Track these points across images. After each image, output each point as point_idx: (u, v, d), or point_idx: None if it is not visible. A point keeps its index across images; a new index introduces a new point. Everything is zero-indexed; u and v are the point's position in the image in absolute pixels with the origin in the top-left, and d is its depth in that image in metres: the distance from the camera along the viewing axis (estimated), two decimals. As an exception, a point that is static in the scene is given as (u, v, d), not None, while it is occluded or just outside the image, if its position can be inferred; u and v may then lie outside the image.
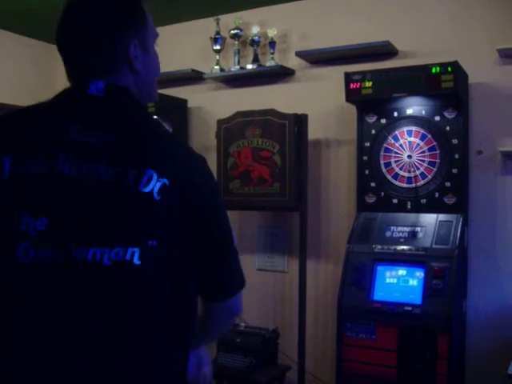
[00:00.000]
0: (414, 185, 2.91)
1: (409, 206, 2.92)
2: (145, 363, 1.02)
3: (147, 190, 0.99)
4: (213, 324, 1.24)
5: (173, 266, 1.03)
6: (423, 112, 2.91)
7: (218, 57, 3.62)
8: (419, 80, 2.75)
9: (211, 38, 3.61)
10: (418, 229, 2.83)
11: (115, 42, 1.09)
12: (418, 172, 2.90)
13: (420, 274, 2.67)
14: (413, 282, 2.69)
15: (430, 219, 2.83)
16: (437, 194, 2.86)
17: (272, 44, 3.46)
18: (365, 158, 3.06)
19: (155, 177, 1.00)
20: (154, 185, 1.00)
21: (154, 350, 1.03)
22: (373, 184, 3.03)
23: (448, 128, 2.85)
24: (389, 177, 2.98)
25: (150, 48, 1.16)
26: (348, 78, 2.94)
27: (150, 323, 1.03)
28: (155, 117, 2.76)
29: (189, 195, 1.04)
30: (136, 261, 0.98)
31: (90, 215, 0.99)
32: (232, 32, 3.55)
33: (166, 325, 1.05)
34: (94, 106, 1.08)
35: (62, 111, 1.08)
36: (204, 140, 3.70)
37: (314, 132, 3.27)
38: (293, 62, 3.47)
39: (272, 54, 3.46)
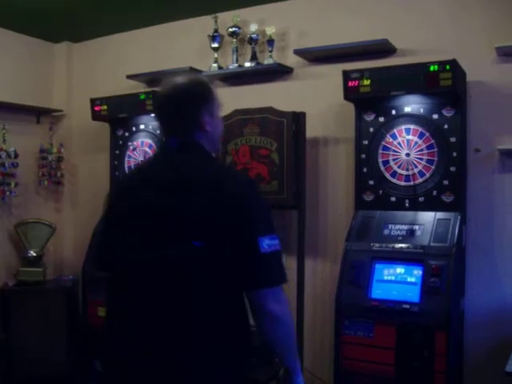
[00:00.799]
0: (412, 183, 2.91)
1: (407, 204, 2.93)
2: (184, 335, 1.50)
3: (192, 208, 1.47)
4: (258, 327, 1.68)
5: (215, 261, 1.49)
6: (421, 110, 2.91)
7: (216, 55, 3.62)
8: (417, 78, 2.75)
9: (209, 35, 3.61)
10: (416, 227, 2.83)
11: (191, 114, 1.63)
12: (416, 170, 2.91)
13: (418, 271, 2.68)
14: (411, 280, 2.69)
15: (427, 217, 2.83)
16: (435, 192, 2.86)
17: (270, 42, 3.46)
18: (363, 156, 3.06)
19: (199, 199, 1.48)
20: (197, 204, 1.47)
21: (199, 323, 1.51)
22: (371, 182, 3.03)
23: (446, 126, 2.85)
24: (387, 175, 2.98)
25: (216, 114, 1.70)
26: (346, 76, 2.94)
27: (199, 297, 1.49)
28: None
29: (225, 209, 1.48)
30: (183, 254, 1.47)
31: (159, 228, 1.51)
32: (230, 30, 3.54)
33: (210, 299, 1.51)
34: (168, 155, 1.66)
35: (152, 161, 1.80)
36: (202, 138, 3.69)
37: (312, 130, 3.27)
38: (291, 60, 3.47)
39: (270, 51, 3.46)
